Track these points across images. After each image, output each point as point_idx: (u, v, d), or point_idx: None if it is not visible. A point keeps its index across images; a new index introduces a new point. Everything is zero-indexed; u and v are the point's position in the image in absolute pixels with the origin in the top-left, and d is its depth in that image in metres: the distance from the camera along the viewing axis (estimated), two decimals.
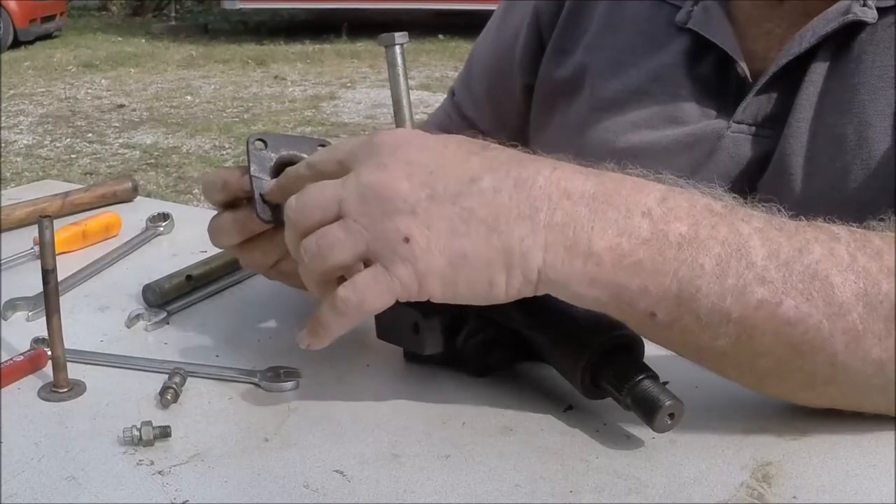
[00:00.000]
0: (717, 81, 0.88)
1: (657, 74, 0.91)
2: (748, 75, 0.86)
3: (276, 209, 0.69)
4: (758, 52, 0.87)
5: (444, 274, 0.58)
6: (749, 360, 0.59)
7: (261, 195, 0.70)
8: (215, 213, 0.75)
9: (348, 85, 8.47)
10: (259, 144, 0.71)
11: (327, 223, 0.60)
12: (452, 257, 0.58)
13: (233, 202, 0.74)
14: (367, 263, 0.60)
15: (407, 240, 0.58)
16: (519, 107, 1.06)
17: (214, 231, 0.75)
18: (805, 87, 0.83)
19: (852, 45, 0.81)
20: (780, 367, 0.59)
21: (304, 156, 0.71)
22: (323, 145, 0.73)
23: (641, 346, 0.64)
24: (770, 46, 0.87)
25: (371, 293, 0.59)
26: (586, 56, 0.97)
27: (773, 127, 0.85)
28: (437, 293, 0.59)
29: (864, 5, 0.81)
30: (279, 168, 0.71)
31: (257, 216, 0.70)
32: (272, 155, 0.71)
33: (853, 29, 0.81)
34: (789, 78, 0.84)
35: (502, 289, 0.59)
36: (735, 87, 0.87)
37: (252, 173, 0.70)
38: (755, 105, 0.86)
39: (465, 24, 9.19)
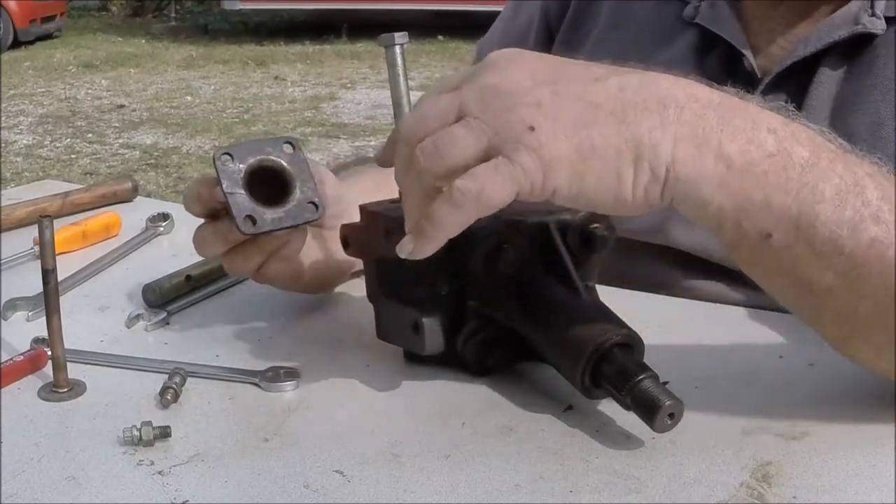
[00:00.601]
0: (725, 75, 0.89)
1: (664, 70, 0.92)
2: (755, 69, 0.87)
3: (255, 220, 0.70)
4: (762, 48, 0.88)
5: (572, 162, 0.55)
6: (851, 302, 0.58)
7: (246, 211, 0.70)
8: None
9: (348, 85, 8.46)
10: (225, 158, 0.71)
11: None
12: (580, 145, 0.55)
13: (212, 213, 0.74)
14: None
15: (532, 128, 0.55)
16: None
17: (198, 243, 0.75)
18: (815, 90, 0.83)
19: (863, 51, 0.82)
20: (875, 316, 0.58)
21: (275, 158, 0.72)
22: (290, 142, 0.74)
23: (641, 346, 0.64)
24: (772, 42, 0.87)
25: (491, 182, 0.55)
26: (593, 52, 0.98)
27: None
28: (563, 185, 0.55)
29: (873, 15, 0.81)
30: (251, 176, 0.71)
31: (239, 230, 0.70)
32: (241, 167, 0.71)
33: (862, 37, 0.81)
34: (796, 79, 0.85)
35: (629, 185, 0.56)
36: (742, 80, 0.88)
37: (225, 190, 0.70)
38: None
39: (465, 25, 9.19)
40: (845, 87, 0.82)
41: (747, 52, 0.87)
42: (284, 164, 0.73)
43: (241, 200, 0.71)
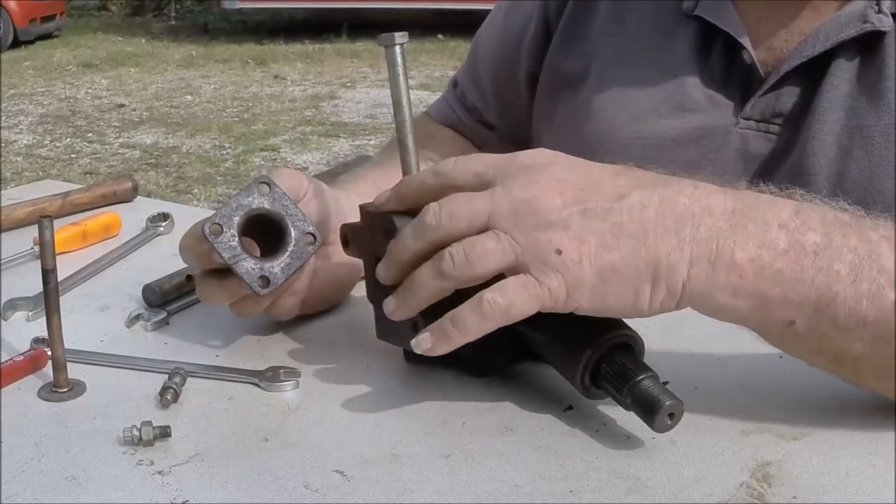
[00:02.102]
0: (726, 69, 0.89)
1: (665, 63, 0.92)
2: (756, 61, 0.87)
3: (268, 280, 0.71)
4: (762, 40, 0.88)
5: (594, 285, 0.59)
6: (885, 363, 0.60)
7: (258, 275, 0.70)
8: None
9: (348, 85, 8.47)
10: (215, 229, 0.70)
11: (472, 234, 0.61)
12: (602, 269, 0.59)
13: (213, 269, 0.73)
14: (509, 275, 0.60)
15: (559, 252, 0.59)
16: (523, 96, 1.07)
17: (203, 295, 0.75)
18: (827, 89, 0.83)
19: (873, 49, 0.82)
20: None
21: (257, 206, 0.72)
22: (264, 182, 0.73)
23: (641, 346, 0.64)
24: (773, 34, 0.87)
25: (520, 298, 0.59)
26: (592, 46, 0.98)
27: (784, 125, 0.86)
28: (585, 304, 0.60)
29: (880, 12, 0.81)
30: (245, 232, 0.71)
31: (256, 294, 0.71)
32: (231, 232, 0.71)
33: (872, 34, 0.81)
34: (803, 77, 0.85)
35: (646, 301, 0.60)
36: (743, 74, 0.88)
37: (228, 261, 0.70)
38: (764, 102, 0.87)
39: (465, 24, 9.18)
40: (857, 87, 0.82)
41: (747, 45, 0.87)
42: (268, 207, 0.73)
43: (248, 266, 0.70)
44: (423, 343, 0.62)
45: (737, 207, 0.60)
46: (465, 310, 0.60)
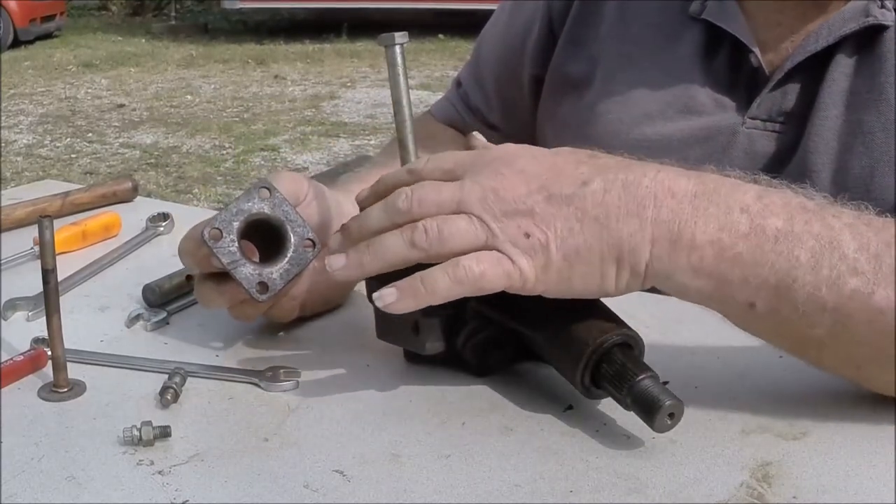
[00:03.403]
0: (731, 71, 0.89)
1: (671, 65, 0.92)
2: (762, 64, 0.87)
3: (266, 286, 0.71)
4: (769, 43, 0.88)
5: (560, 269, 0.61)
6: (846, 350, 0.61)
7: (257, 280, 0.71)
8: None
9: (348, 84, 8.46)
10: (214, 233, 0.70)
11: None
12: (567, 253, 0.61)
13: (212, 272, 0.73)
14: None
15: (527, 235, 0.61)
16: (527, 98, 1.07)
17: (202, 298, 0.75)
18: (827, 85, 0.83)
19: (874, 44, 0.82)
20: (876, 356, 0.61)
21: (257, 211, 0.72)
22: (264, 187, 0.73)
23: (641, 346, 0.64)
24: (781, 37, 0.87)
25: (493, 271, 0.61)
26: (598, 49, 0.98)
27: (789, 122, 0.86)
28: (552, 286, 0.62)
29: (882, 6, 0.81)
30: (245, 235, 0.71)
31: (255, 300, 0.71)
32: (231, 237, 0.71)
33: (873, 28, 0.81)
34: (806, 74, 0.85)
35: (612, 282, 0.62)
36: (749, 76, 0.88)
37: (227, 266, 0.70)
38: (769, 101, 0.87)
39: (465, 24, 9.18)
40: (858, 81, 0.83)
41: (755, 49, 0.87)
42: (268, 212, 0.73)
43: (246, 272, 0.70)
44: (387, 297, 0.62)
45: (699, 191, 0.62)
46: (437, 271, 0.61)
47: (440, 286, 0.61)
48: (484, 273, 0.60)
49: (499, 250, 0.61)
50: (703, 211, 0.61)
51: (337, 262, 0.64)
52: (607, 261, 0.61)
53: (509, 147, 0.67)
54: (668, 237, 0.61)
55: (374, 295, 0.63)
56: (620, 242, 0.61)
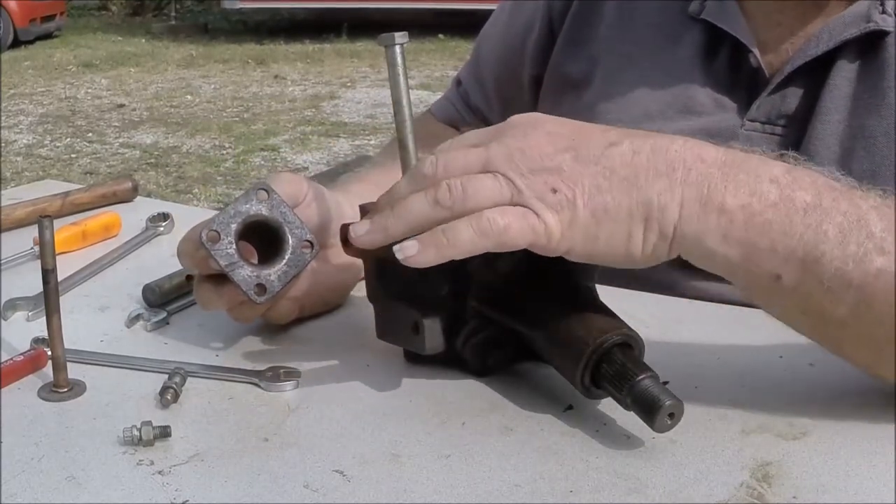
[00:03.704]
0: (732, 72, 0.89)
1: (671, 65, 0.92)
2: (762, 65, 0.87)
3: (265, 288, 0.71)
4: (769, 43, 0.88)
5: (587, 226, 0.60)
6: (868, 330, 0.61)
7: (256, 283, 0.70)
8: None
9: (348, 84, 8.46)
10: (212, 236, 0.70)
11: None
12: (595, 210, 0.60)
13: (211, 274, 0.73)
14: None
15: (555, 191, 0.60)
16: (527, 98, 1.07)
17: (201, 300, 0.75)
18: (829, 90, 0.83)
19: (876, 49, 0.82)
20: (893, 341, 0.60)
21: (255, 213, 0.72)
22: (263, 189, 0.73)
23: (641, 346, 0.64)
24: (781, 38, 0.87)
25: (518, 225, 0.60)
26: (598, 49, 0.98)
27: (790, 126, 0.86)
28: (578, 245, 0.61)
29: (884, 12, 0.81)
30: (244, 236, 0.71)
31: (253, 302, 0.71)
32: (228, 239, 0.71)
33: (875, 34, 0.82)
34: (807, 78, 0.85)
35: (639, 244, 0.61)
36: (749, 77, 0.88)
37: (225, 268, 0.70)
38: (769, 104, 0.87)
39: (465, 24, 9.18)
40: (860, 86, 0.83)
41: (755, 49, 0.87)
42: (266, 214, 0.73)
43: (245, 274, 0.70)
44: (409, 249, 0.61)
45: (728, 159, 0.61)
46: (461, 223, 0.60)
47: (463, 238, 0.60)
48: (509, 226, 0.59)
49: (524, 206, 0.60)
50: (734, 177, 0.60)
51: (361, 228, 0.63)
52: (636, 219, 0.60)
53: (532, 115, 0.66)
54: (699, 199, 0.60)
55: (395, 247, 0.61)
56: (650, 200, 0.60)
